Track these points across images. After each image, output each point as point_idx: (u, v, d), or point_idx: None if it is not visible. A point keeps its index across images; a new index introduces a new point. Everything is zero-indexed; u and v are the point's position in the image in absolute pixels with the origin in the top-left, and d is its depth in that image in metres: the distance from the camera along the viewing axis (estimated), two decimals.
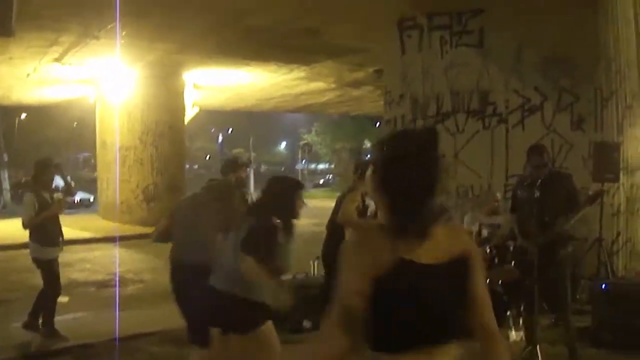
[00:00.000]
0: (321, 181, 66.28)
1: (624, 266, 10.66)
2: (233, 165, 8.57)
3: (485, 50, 11.69)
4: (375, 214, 8.53)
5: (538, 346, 7.53)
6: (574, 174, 8.60)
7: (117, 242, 17.91)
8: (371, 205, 8.56)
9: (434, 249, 2.77)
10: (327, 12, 15.06)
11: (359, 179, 8.80)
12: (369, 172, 2.89)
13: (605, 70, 10.84)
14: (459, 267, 2.81)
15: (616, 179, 9.92)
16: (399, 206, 2.81)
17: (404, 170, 2.80)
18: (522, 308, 8.92)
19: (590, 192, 7.99)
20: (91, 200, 35.37)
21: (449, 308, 2.76)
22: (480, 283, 2.91)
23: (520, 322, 9.02)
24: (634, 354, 8.06)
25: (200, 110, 28.07)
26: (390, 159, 2.86)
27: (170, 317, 8.70)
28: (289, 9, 14.88)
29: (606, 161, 9.82)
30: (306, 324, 8.75)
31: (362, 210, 8.43)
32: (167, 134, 24.11)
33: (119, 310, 10.27)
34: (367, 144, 59.71)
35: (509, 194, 10.53)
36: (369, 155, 10.87)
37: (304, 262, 10.07)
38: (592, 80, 10.84)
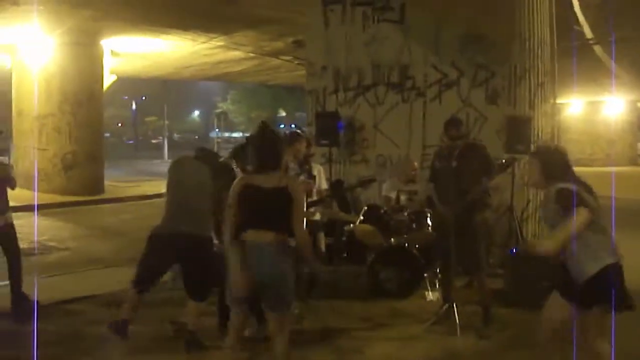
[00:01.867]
0: None
1: (533, 232, 11.35)
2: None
3: (406, 27, 12.04)
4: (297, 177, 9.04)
5: (455, 304, 8.12)
6: (488, 145, 9.17)
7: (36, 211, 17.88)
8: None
9: (267, 182, 5.54)
10: None
11: (287, 147, 9.24)
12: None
13: (519, 48, 11.45)
14: (281, 193, 5.49)
15: (527, 151, 10.52)
16: (251, 162, 5.94)
17: (253, 148, 5.98)
18: (438, 270, 9.53)
19: (503, 161, 8.52)
20: None
21: (271, 212, 5.52)
22: (297, 206, 5.55)
23: (436, 283, 9.66)
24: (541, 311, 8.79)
25: (117, 78, 27.99)
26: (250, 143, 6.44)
27: (103, 281, 8.97)
28: None
29: (518, 134, 10.43)
30: None
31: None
32: (85, 102, 23.93)
33: (50, 277, 10.48)
34: (282, 113, 60.15)
35: (426, 164, 11.09)
36: (302, 128, 11.26)
37: None
38: (507, 57, 11.37)
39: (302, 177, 8.94)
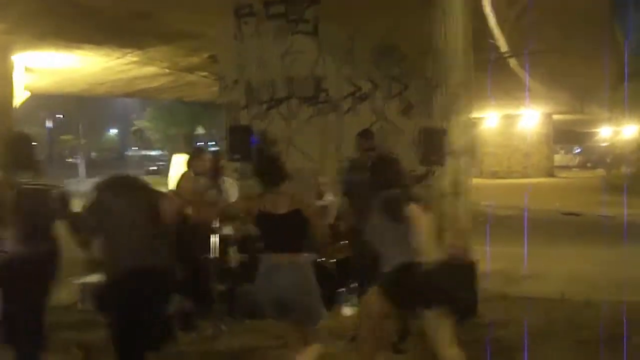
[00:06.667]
0: (153, 168, 64.90)
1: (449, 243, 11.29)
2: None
3: (320, 39, 12.07)
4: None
5: None
6: (403, 158, 9.05)
7: None
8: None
9: (278, 205, 5.84)
10: None
11: (193, 160, 9.17)
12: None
13: (433, 60, 11.44)
14: (296, 215, 5.85)
15: (442, 163, 10.49)
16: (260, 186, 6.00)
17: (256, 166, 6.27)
18: (357, 284, 9.35)
19: (418, 173, 8.47)
20: None
21: (290, 235, 5.92)
22: (315, 223, 6.06)
23: (352, 298, 9.50)
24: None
25: (31, 94, 27.34)
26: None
27: None
28: None
29: (433, 146, 10.38)
30: None
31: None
32: None
33: None
34: (200, 130, 59.66)
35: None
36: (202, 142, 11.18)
37: None
38: (421, 69, 11.39)
39: (212, 192, 8.83)
